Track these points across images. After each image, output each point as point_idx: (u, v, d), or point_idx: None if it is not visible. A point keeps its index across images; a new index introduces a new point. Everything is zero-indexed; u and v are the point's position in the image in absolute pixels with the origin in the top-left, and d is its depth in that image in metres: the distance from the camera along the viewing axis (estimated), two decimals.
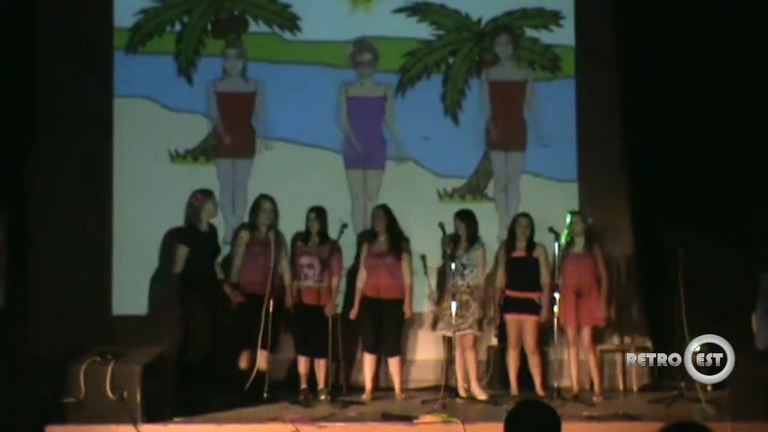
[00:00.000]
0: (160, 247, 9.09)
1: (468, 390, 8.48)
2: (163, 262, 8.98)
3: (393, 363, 8.67)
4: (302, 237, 8.75)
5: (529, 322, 8.61)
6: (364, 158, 9.59)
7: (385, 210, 8.78)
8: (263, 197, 8.65)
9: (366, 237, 8.95)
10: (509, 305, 8.70)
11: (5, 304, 8.61)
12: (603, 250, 8.79)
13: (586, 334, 8.61)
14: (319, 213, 8.66)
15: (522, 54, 9.77)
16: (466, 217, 8.73)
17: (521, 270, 8.72)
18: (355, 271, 8.91)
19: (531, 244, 8.74)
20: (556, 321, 8.42)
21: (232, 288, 8.51)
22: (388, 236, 8.71)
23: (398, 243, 8.74)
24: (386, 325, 8.63)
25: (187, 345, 8.13)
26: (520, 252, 8.75)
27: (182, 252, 8.30)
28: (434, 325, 8.71)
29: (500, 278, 8.79)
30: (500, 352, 9.00)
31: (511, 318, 8.68)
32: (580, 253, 8.68)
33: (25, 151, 9.08)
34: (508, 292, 8.73)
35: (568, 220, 8.76)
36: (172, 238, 8.69)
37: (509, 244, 8.83)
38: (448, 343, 8.56)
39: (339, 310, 8.76)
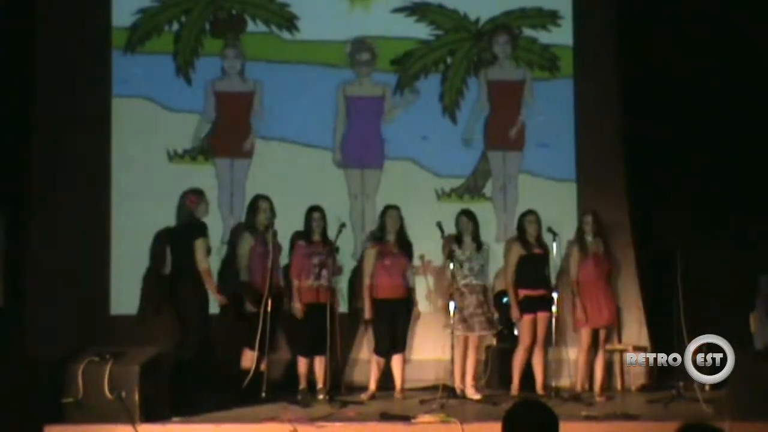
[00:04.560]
0: (151, 247, 9.07)
1: (463, 390, 8.47)
2: (153, 261, 9.01)
3: (398, 359, 8.67)
4: (303, 236, 8.72)
5: (543, 317, 8.57)
6: (363, 158, 9.59)
7: (399, 212, 8.74)
8: (260, 197, 8.62)
9: (375, 237, 8.89)
10: (527, 305, 8.61)
11: (4, 304, 8.63)
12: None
13: (602, 334, 8.63)
14: (322, 212, 8.65)
15: (520, 54, 9.78)
16: (472, 216, 8.72)
17: (537, 267, 8.67)
18: (357, 271, 8.90)
19: (542, 242, 8.74)
20: (555, 321, 8.42)
21: (249, 290, 8.48)
22: (398, 237, 8.71)
23: (408, 245, 8.77)
24: (396, 324, 8.64)
25: (180, 344, 8.13)
26: (537, 249, 8.71)
27: (205, 246, 8.26)
28: (451, 325, 8.55)
29: (511, 276, 8.73)
30: (498, 351, 9.00)
31: (528, 318, 8.60)
32: (600, 255, 8.67)
33: (23, 151, 9.09)
34: (526, 292, 8.63)
35: (580, 219, 8.78)
36: (191, 234, 8.42)
37: (523, 241, 8.75)
38: (452, 342, 8.55)
39: (341, 309, 8.77)
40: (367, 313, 8.67)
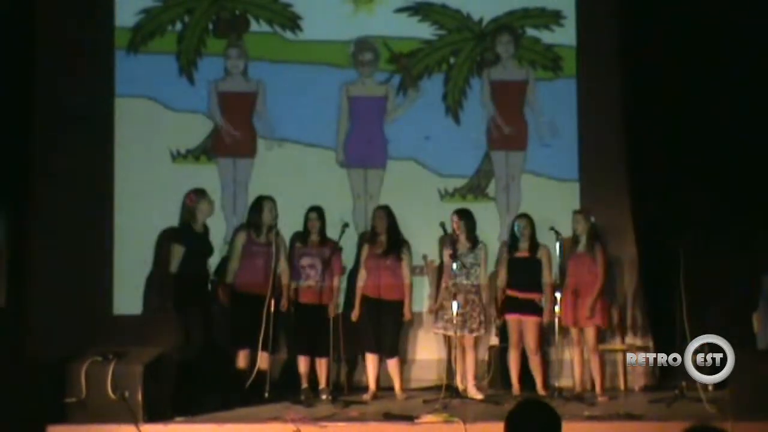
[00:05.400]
0: (154, 248, 9.10)
1: (464, 390, 8.47)
2: (157, 263, 9.01)
3: (391, 364, 8.66)
4: (301, 237, 8.74)
5: (530, 322, 8.60)
6: (366, 158, 9.59)
7: (386, 211, 8.77)
8: (263, 198, 8.64)
9: (366, 237, 8.94)
10: (510, 305, 8.68)
11: (6, 304, 8.63)
12: (605, 249, 8.77)
13: (590, 334, 8.59)
14: (319, 213, 8.67)
15: (523, 54, 9.78)
16: (465, 215, 8.72)
17: (523, 270, 8.72)
18: (356, 272, 8.91)
19: (534, 245, 8.73)
20: (558, 321, 8.41)
21: (223, 289, 8.51)
22: (388, 237, 8.70)
23: (398, 244, 8.73)
24: (385, 326, 8.63)
25: (183, 345, 8.14)
26: (523, 252, 8.74)
27: (178, 252, 8.35)
28: (439, 325, 8.61)
29: (501, 278, 8.79)
30: (501, 351, 9.00)
31: (512, 318, 8.66)
32: (582, 253, 8.67)
33: (25, 151, 9.08)
34: (510, 292, 8.72)
35: (572, 218, 8.78)
36: (166, 238, 8.72)
37: (511, 244, 8.81)
38: (449, 342, 8.55)
39: (340, 309, 8.77)
40: (353, 315, 8.68)
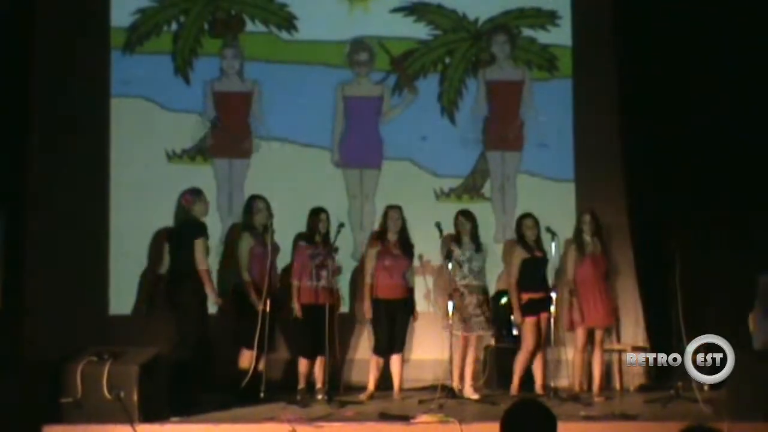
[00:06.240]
0: (151, 247, 9.07)
1: (461, 390, 8.47)
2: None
3: (397, 359, 8.66)
4: (306, 237, 8.71)
5: (545, 319, 8.60)
6: (361, 158, 9.59)
7: (401, 212, 8.73)
8: (257, 198, 8.63)
9: (378, 237, 8.83)
10: (531, 308, 8.62)
11: (2, 304, 8.60)
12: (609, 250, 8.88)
13: (598, 334, 8.64)
14: (327, 214, 8.65)
15: (519, 54, 9.79)
16: (470, 216, 8.73)
17: (538, 270, 8.69)
18: (357, 271, 8.89)
19: (541, 244, 8.74)
20: (554, 322, 8.42)
21: (256, 292, 8.42)
22: (399, 238, 8.70)
23: (410, 245, 8.76)
24: (397, 324, 8.63)
25: (179, 345, 8.12)
26: (538, 252, 8.72)
27: (204, 246, 8.24)
28: (450, 326, 8.48)
29: (515, 278, 8.72)
30: (497, 351, 8.99)
31: (532, 320, 8.61)
32: (597, 254, 8.69)
33: (22, 151, 9.07)
34: (529, 295, 8.63)
35: (579, 219, 8.78)
36: (196, 233, 8.34)
37: (524, 244, 8.75)
38: (457, 342, 8.55)
39: (341, 309, 8.78)
40: (367, 313, 8.65)
